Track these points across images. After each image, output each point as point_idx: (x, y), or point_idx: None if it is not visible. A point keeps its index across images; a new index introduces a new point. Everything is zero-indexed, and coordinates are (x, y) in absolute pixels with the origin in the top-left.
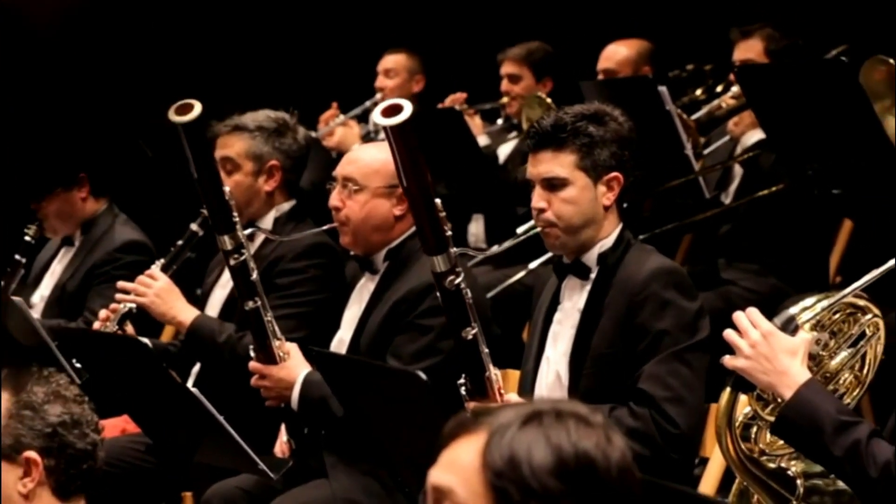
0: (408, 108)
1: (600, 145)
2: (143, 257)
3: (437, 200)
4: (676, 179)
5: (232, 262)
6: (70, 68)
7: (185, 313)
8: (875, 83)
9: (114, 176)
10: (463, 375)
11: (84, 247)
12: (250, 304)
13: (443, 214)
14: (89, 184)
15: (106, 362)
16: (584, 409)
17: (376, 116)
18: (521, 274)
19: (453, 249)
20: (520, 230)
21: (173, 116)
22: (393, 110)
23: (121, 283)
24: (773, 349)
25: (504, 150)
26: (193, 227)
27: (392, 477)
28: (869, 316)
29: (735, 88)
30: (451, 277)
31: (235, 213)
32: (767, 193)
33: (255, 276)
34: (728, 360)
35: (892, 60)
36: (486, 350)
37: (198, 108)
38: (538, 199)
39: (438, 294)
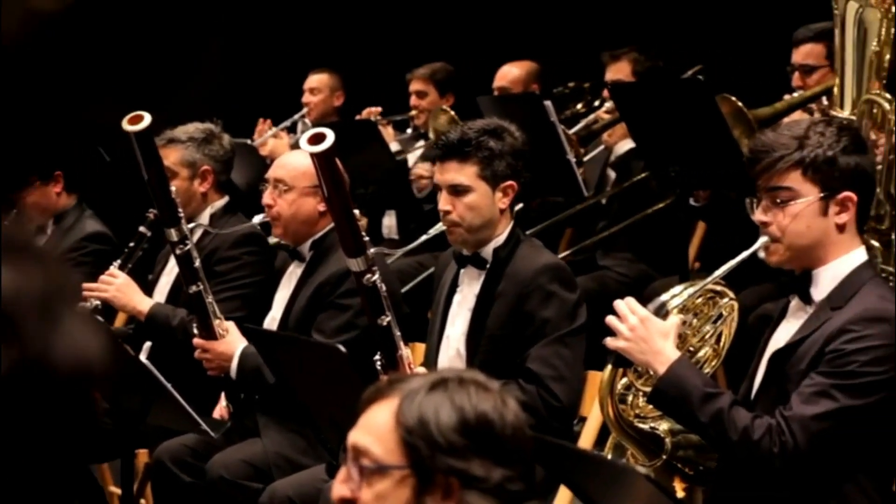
0: (330, 137)
1: (499, 157)
2: (105, 247)
3: (356, 212)
4: (559, 181)
5: (178, 252)
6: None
7: (143, 304)
8: (725, 115)
9: (83, 175)
10: (378, 353)
11: (55, 235)
12: (194, 288)
13: (361, 222)
14: (63, 180)
15: None
16: (482, 377)
17: (303, 143)
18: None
19: (370, 251)
20: (430, 232)
21: (126, 126)
22: (317, 138)
23: (86, 284)
24: (649, 332)
25: (413, 156)
26: (142, 229)
27: (316, 435)
28: (726, 300)
29: (609, 104)
30: (368, 276)
31: (180, 210)
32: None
33: (197, 263)
34: (610, 342)
35: (733, 98)
36: (398, 333)
37: (147, 118)
38: (444, 202)
39: (357, 289)
